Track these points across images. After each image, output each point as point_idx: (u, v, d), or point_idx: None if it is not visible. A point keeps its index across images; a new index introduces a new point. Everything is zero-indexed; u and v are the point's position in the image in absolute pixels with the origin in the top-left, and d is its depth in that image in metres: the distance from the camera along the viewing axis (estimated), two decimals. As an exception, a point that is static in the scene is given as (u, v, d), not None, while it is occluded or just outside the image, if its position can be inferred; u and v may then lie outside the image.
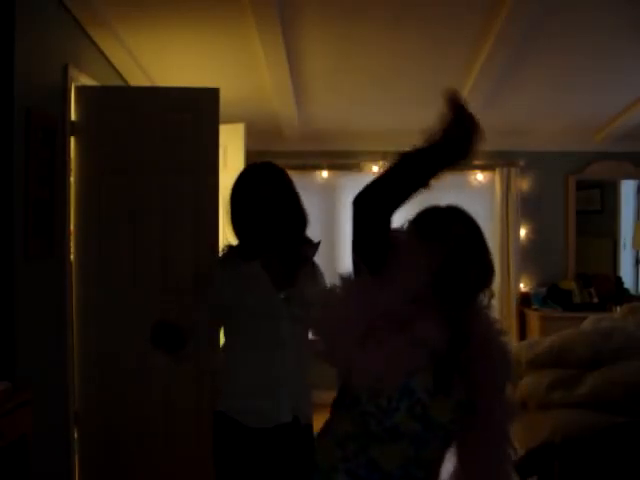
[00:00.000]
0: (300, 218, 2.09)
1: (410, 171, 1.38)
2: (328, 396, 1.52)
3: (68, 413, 3.12)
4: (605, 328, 3.42)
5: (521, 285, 5.54)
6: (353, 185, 5.59)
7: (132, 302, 3.23)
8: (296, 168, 5.41)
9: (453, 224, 1.44)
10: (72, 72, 3.13)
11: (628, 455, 2.68)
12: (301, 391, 2.04)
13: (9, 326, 2.52)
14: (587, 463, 2.73)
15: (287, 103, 4.55)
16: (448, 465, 1.41)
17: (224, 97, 3.31)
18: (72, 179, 3.20)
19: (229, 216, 2.10)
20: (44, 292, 2.90)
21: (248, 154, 4.54)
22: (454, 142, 1.35)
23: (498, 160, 5.45)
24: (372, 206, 1.35)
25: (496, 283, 5.60)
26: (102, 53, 3.63)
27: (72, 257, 3.20)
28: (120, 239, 3.24)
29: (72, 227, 3.20)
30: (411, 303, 1.29)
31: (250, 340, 1.99)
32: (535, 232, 5.56)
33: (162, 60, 3.93)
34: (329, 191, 5.51)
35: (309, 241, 2.15)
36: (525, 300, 5.48)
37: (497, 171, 5.47)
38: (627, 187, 5.82)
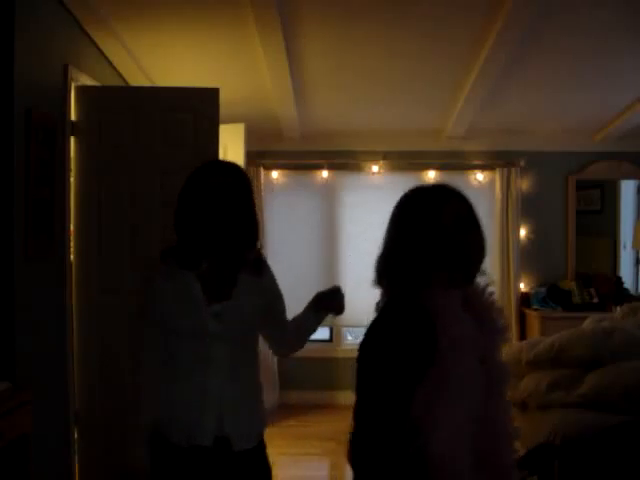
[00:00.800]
0: (251, 223, 1.82)
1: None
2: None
3: (68, 413, 3.12)
4: (605, 328, 3.42)
5: (521, 285, 5.54)
6: (353, 185, 5.64)
7: (132, 302, 3.23)
8: (296, 168, 5.43)
9: (447, 203, 1.47)
10: (72, 72, 3.13)
11: (628, 455, 2.68)
12: (237, 416, 1.79)
13: (9, 326, 2.52)
14: (587, 463, 2.73)
15: (287, 103, 4.55)
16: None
17: (224, 97, 3.31)
18: (72, 179, 3.20)
19: (175, 212, 1.89)
20: (44, 292, 2.90)
21: (248, 154, 4.54)
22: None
23: (498, 160, 5.45)
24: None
25: (496, 283, 5.62)
26: (102, 53, 3.63)
27: (72, 257, 3.20)
28: (120, 239, 3.24)
29: (72, 227, 3.20)
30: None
31: (170, 357, 1.81)
32: (535, 232, 5.56)
33: (162, 60, 3.93)
34: (329, 191, 5.51)
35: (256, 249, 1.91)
36: (525, 300, 5.48)
37: (497, 171, 5.46)
38: (627, 187, 5.81)
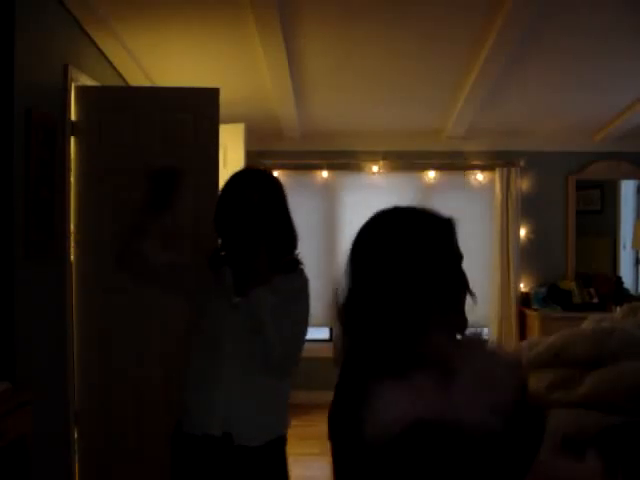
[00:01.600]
0: (288, 232, 1.91)
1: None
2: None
3: (68, 413, 3.12)
4: (605, 328, 3.42)
5: (521, 285, 5.54)
6: (353, 185, 5.64)
7: (132, 301, 3.23)
8: (296, 168, 5.43)
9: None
10: (72, 72, 3.13)
11: (628, 455, 2.68)
12: (244, 409, 1.81)
13: (9, 326, 2.52)
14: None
15: (287, 103, 4.55)
16: None
17: (224, 97, 3.31)
18: (72, 179, 3.20)
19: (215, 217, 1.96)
20: (44, 292, 2.90)
21: (248, 154, 4.54)
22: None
23: (498, 160, 5.45)
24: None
25: (496, 283, 5.62)
26: (102, 53, 3.63)
27: (72, 257, 3.20)
28: (120, 239, 3.24)
29: (72, 227, 3.20)
30: None
31: (196, 339, 1.91)
32: (535, 232, 5.56)
33: (162, 60, 3.93)
34: (329, 191, 5.51)
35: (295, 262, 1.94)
36: (525, 300, 5.48)
37: (497, 171, 5.46)
38: (627, 187, 5.81)
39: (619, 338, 3.25)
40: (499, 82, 4.22)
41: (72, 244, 3.20)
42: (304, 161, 5.41)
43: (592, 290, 5.38)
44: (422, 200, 5.46)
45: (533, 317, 5.27)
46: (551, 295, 5.37)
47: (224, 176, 3.47)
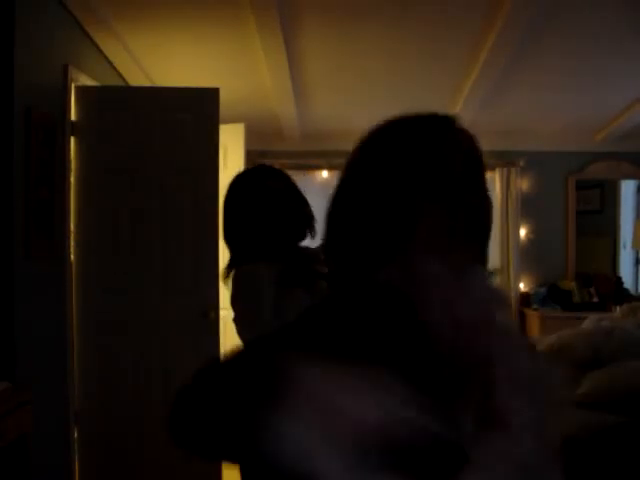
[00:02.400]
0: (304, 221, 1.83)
1: None
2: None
3: (68, 413, 3.12)
4: (605, 328, 3.42)
5: (521, 285, 5.54)
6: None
7: (132, 301, 3.23)
8: (296, 168, 5.42)
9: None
10: (72, 72, 3.13)
11: (628, 455, 2.68)
12: None
13: (9, 326, 2.52)
14: (587, 463, 2.73)
15: (287, 103, 4.54)
16: None
17: (224, 97, 3.31)
18: (72, 179, 3.20)
19: (223, 219, 1.83)
20: (44, 292, 2.90)
21: (248, 154, 4.54)
22: None
23: (498, 160, 5.45)
24: None
25: (496, 283, 5.65)
26: (102, 53, 3.63)
27: (72, 257, 3.20)
28: (120, 239, 3.24)
29: (72, 227, 3.20)
30: None
31: None
32: (535, 232, 5.56)
33: (162, 60, 3.93)
34: (329, 191, 5.50)
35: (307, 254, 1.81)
36: (525, 300, 5.48)
37: (497, 171, 5.46)
38: (627, 187, 5.81)
39: (619, 338, 3.25)
40: (499, 82, 4.22)
41: (72, 244, 3.20)
42: (304, 161, 5.41)
43: (592, 290, 5.38)
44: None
45: (533, 317, 5.27)
46: (551, 295, 5.37)
47: (224, 176, 3.48)
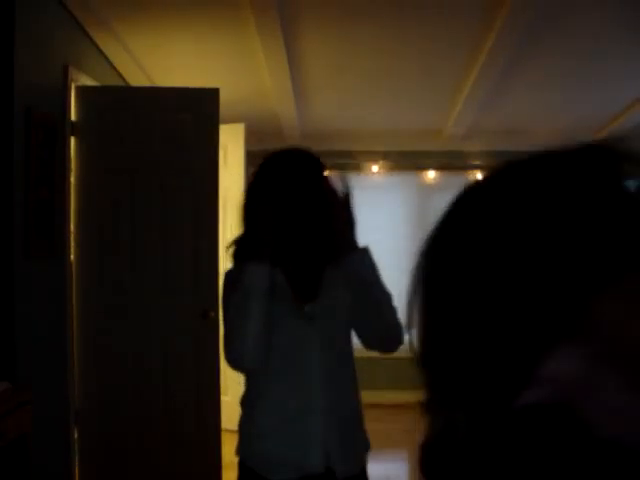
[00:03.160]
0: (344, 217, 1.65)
1: None
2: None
3: (68, 413, 3.12)
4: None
5: (521, 285, 5.54)
6: (353, 185, 5.62)
7: (132, 302, 3.23)
8: (296, 168, 5.42)
9: None
10: (72, 72, 3.13)
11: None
12: (338, 436, 1.54)
13: (9, 326, 2.52)
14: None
15: (287, 103, 4.54)
16: None
17: (224, 97, 3.31)
18: (72, 179, 3.20)
19: (244, 207, 1.60)
20: (44, 292, 2.90)
21: (248, 154, 4.54)
22: None
23: (498, 160, 5.44)
24: None
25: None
26: (102, 53, 3.63)
27: (72, 257, 3.20)
28: (120, 239, 3.24)
29: (72, 227, 3.20)
30: None
31: (266, 370, 1.55)
32: (535, 232, 5.56)
33: (162, 60, 3.93)
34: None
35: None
36: (525, 300, 5.48)
37: (497, 171, 5.46)
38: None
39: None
40: (499, 82, 4.22)
41: (72, 244, 3.20)
42: (304, 161, 5.40)
43: (592, 290, 5.38)
44: (422, 200, 5.47)
45: (533, 317, 5.27)
46: (551, 295, 5.37)
47: (224, 176, 3.49)
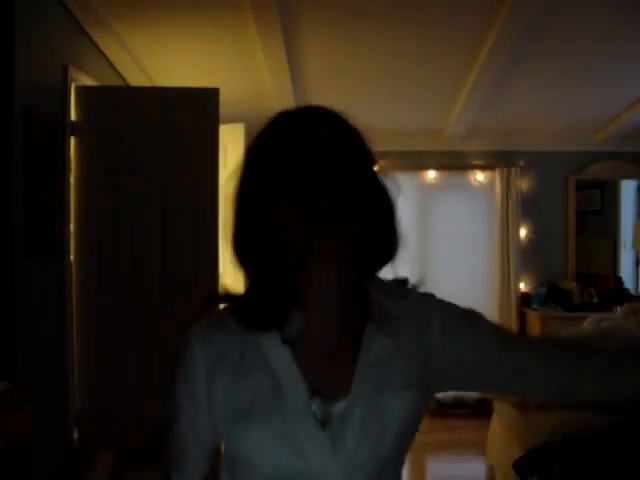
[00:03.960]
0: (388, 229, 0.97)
1: None
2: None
3: (68, 413, 3.12)
4: (605, 328, 3.42)
5: (521, 285, 5.54)
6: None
7: (132, 302, 3.23)
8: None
9: None
10: (72, 72, 3.13)
11: (628, 455, 2.68)
12: None
13: (9, 326, 2.52)
14: (587, 463, 2.73)
15: (287, 103, 4.53)
16: None
17: (224, 97, 3.31)
18: (72, 179, 3.20)
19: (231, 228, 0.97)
20: (44, 292, 2.90)
21: (248, 154, 4.53)
22: None
23: (498, 160, 5.45)
24: None
25: (496, 283, 5.61)
26: (102, 53, 3.63)
27: (72, 257, 3.20)
28: (120, 239, 3.24)
29: (72, 227, 3.20)
30: None
31: None
32: (535, 232, 5.56)
33: (162, 60, 3.93)
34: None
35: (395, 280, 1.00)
36: (525, 300, 5.48)
37: (497, 171, 5.46)
38: (627, 187, 5.81)
39: (619, 338, 3.25)
40: (499, 82, 4.22)
41: (72, 244, 3.20)
42: (304, 161, 5.40)
43: (592, 290, 5.38)
44: (422, 200, 5.47)
45: (533, 317, 5.27)
46: (551, 295, 5.37)
47: (224, 176, 3.48)
